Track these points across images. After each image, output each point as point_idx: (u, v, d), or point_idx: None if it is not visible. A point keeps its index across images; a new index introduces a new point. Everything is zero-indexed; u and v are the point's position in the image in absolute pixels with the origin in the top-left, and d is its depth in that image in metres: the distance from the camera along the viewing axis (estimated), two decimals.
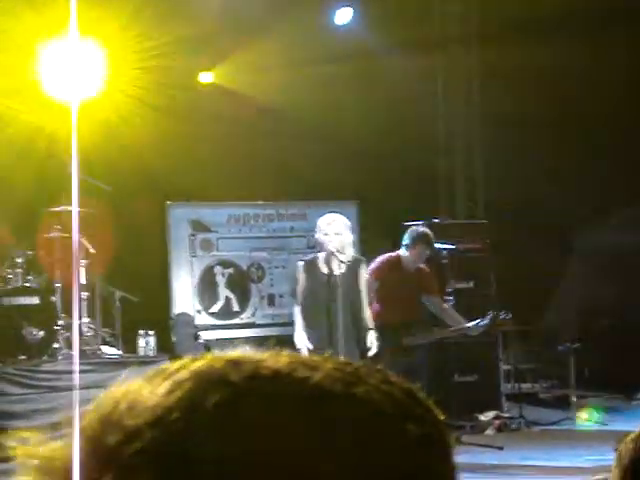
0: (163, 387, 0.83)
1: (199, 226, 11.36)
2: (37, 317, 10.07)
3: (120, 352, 10.64)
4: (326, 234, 8.22)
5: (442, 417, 0.89)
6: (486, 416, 11.27)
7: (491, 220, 12.87)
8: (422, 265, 9.48)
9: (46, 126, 12.00)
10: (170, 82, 12.77)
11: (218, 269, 11.43)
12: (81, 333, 10.48)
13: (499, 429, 10.96)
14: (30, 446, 0.84)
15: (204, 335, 11.11)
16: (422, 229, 9.46)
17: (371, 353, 8.42)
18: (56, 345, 10.09)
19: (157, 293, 11.29)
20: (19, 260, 10.21)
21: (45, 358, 10.02)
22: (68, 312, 10.51)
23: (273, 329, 11.42)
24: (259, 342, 11.26)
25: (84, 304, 10.51)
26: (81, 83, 12.42)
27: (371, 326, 8.54)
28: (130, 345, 10.72)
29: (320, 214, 8.69)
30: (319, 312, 8.30)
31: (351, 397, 0.83)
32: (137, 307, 10.87)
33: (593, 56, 13.00)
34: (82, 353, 10.29)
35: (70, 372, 9.89)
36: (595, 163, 13.58)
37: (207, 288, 11.35)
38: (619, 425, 10.52)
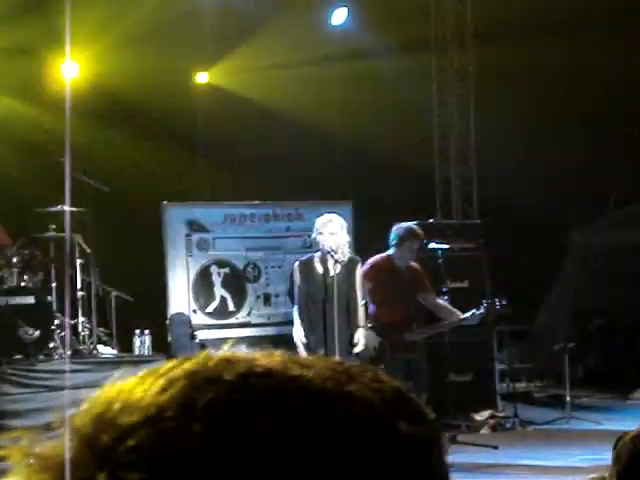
0: (156, 386, 0.83)
1: (195, 226, 11.36)
2: (33, 317, 10.07)
3: (116, 351, 10.65)
4: (321, 234, 8.26)
5: (432, 416, 0.88)
6: (481, 415, 11.30)
7: (486, 220, 12.89)
8: (413, 263, 9.50)
9: (42, 125, 12.04)
10: (166, 82, 12.78)
11: (214, 269, 11.44)
12: (77, 333, 10.49)
13: (494, 428, 10.98)
14: (24, 445, 0.83)
15: (200, 335, 11.11)
16: (406, 225, 9.48)
17: (357, 350, 8.43)
18: (52, 344, 10.10)
19: (153, 293, 11.30)
20: (15, 260, 10.21)
21: (41, 357, 10.03)
22: (64, 312, 10.53)
23: (269, 329, 11.43)
24: (255, 342, 11.27)
25: (80, 304, 10.53)
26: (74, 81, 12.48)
27: (362, 324, 8.57)
28: (126, 344, 10.73)
29: (316, 214, 8.72)
30: (315, 312, 8.35)
31: (343, 394, 0.83)
32: (133, 307, 10.88)
33: (591, 55, 13.03)
34: (78, 353, 10.31)
35: (65, 371, 9.91)
36: (590, 164, 13.62)
37: (203, 288, 11.36)
38: (614, 424, 10.53)
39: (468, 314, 9.48)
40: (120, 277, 11.07)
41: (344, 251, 8.32)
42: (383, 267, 9.36)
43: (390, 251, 9.41)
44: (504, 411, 11.55)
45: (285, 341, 9.13)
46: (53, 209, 10.48)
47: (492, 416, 11.30)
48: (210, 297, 11.38)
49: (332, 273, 8.31)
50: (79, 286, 10.56)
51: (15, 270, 10.19)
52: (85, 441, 0.81)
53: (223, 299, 11.45)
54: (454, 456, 9.49)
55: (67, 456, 0.81)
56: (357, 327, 8.50)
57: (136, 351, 10.56)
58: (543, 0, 13.32)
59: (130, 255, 11.49)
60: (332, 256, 8.20)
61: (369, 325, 9.26)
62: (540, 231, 13.50)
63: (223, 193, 12.08)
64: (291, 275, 8.76)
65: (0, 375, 9.70)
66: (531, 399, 12.85)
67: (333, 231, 8.25)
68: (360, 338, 8.48)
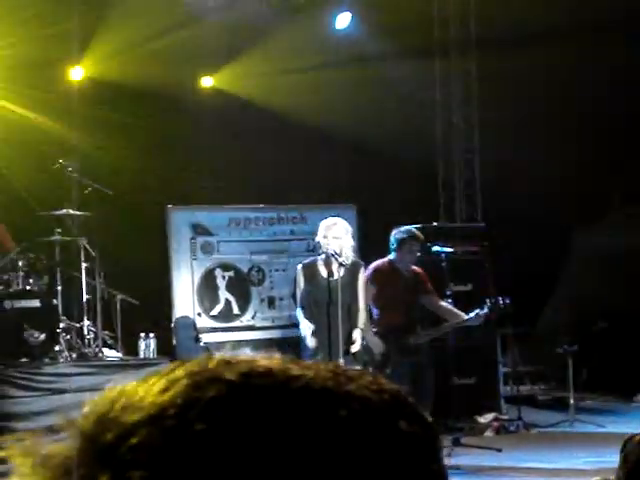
0: (158, 386, 0.84)
1: (200, 229, 11.39)
2: (38, 320, 10.10)
3: (121, 355, 10.67)
4: (325, 237, 8.28)
5: (430, 418, 0.89)
6: (485, 418, 11.31)
7: (489, 223, 12.91)
8: (414, 266, 9.53)
9: (48, 130, 12.07)
10: (171, 86, 12.81)
11: (218, 272, 11.46)
12: (82, 336, 10.52)
13: (498, 431, 10.99)
14: (28, 445, 0.85)
15: (205, 338, 11.14)
16: (405, 228, 9.51)
17: (354, 349, 8.42)
18: (57, 348, 10.13)
19: (158, 296, 11.32)
20: (20, 263, 10.25)
21: (46, 360, 10.05)
22: (69, 315, 10.56)
23: (273, 332, 11.46)
24: (259, 345, 11.30)
25: (85, 307, 10.56)
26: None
27: (362, 326, 8.58)
28: (131, 348, 10.75)
29: (320, 218, 8.74)
30: (319, 315, 8.36)
31: (343, 393, 0.84)
32: (138, 310, 10.90)
33: (588, 57, 13.05)
34: (83, 356, 10.34)
35: (71, 374, 9.94)
36: (594, 166, 13.63)
37: (208, 291, 11.38)
38: (618, 427, 10.55)
39: (472, 314, 9.50)
40: (125, 280, 11.09)
41: (348, 255, 8.34)
42: (385, 271, 9.39)
43: (391, 255, 9.44)
44: (508, 414, 11.56)
45: (290, 344, 9.16)
46: (58, 212, 10.52)
47: (496, 419, 11.31)
48: (215, 300, 11.40)
49: (336, 276, 8.32)
50: (84, 289, 10.59)
51: (20, 274, 10.22)
52: (88, 439, 0.82)
53: (228, 302, 11.48)
54: (458, 459, 9.51)
55: (72, 454, 0.83)
56: (355, 327, 8.51)
57: (141, 354, 10.59)
58: (544, 6, 13.31)
59: (135, 258, 11.51)
60: (336, 259, 8.21)
61: (373, 330, 9.28)
62: (544, 233, 13.51)
63: (227, 196, 12.10)
64: (294, 278, 8.77)
65: (6, 378, 9.73)
66: (535, 402, 12.86)
67: (337, 235, 8.26)
68: (357, 337, 8.48)
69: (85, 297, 10.58)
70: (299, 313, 8.60)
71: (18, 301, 10.10)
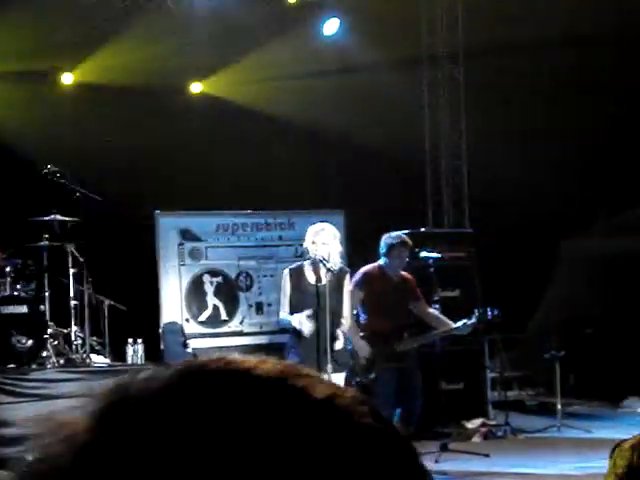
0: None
1: (188, 235, 11.39)
2: (26, 326, 10.07)
3: (108, 361, 10.65)
4: (314, 242, 8.26)
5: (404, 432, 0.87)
6: (473, 424, 11.33)
7: (477, 229, 12.94)
8: (404, 272, 9.55)
9: (37, 134, 12.07)
10: (160, 91, 12.82)
11: (206, 278, 11.46)
12: (70, 342, 10.50)
13: (485, 437, 11.01)
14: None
15: (192, 343, 11.13)
16: (395, 234, 9.53)
17: (337, 346, 8.34)
18: (45, 353, 10.11)
19: (146, 302, 11.31)
20: (8, 269, 10.23)
21: (34, 366, 10.03)
22: (56, 321, 10.54)
23: (261, 337, 11.46)
24: (247, 350, 11.30)
25: (73, 313, 10.54)
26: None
27: (345, 329, 8.51)
28: (119, 354, 10.74)
29: (308, 223, 8.74)
30: (310, 328, 8.30)
31: (296, 389, 0.81)
32: (126, 316, 10.88)
33: (583, 58, 13.10)
34: (71, 361, 10.32)
35: (58, 380, 9.92)
36: (581, 173, 13.67)
37: (196, 296, 11.38)
38: (605, 433, 10.57)
39: (459, 324, 9.52)
40: (113, 286, 11.08)
41: (336, 261, 8.32)
42: (374, 276, 9.41)
43: (380, 261, 9.48)
44: (495, 419, 11.59)
45: (278, 350, 9.15)
46: (46, 218, 10.50)
47: (483, 424, 11.33)
48: (203, 306, 11.40)
49: (324, 282, 8.31)
50: (72, 295, 10.57)
51: (8, 279, 10.20)
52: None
53: (216, 308, 11.48)
54: (445, 464, 9.52)
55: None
56: (339, 326, 8.43)
57: (129, 360, 10.57)
58: (531, 13, 13.37)
59: (123, 264, 11.51)
60: (324, 265, 8.20)
61: (360, 334, 9.29)
62: (531, 239, 13.55)
63: (216, 202, 12.10)
64: (281, 283, 8.68)
65: None
66: (522, 407, 12.89)
67: (326, 241, 8.25)
68: (340, 335, 8.42)
69: (73, 303, 10.56)
70: (284, 315, 8.49)
71: (5, 307, 10.08)
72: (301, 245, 8.58)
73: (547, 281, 14.79)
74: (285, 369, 0.83)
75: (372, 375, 9.21)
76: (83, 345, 10.51)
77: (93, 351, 10.66)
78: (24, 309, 10.16)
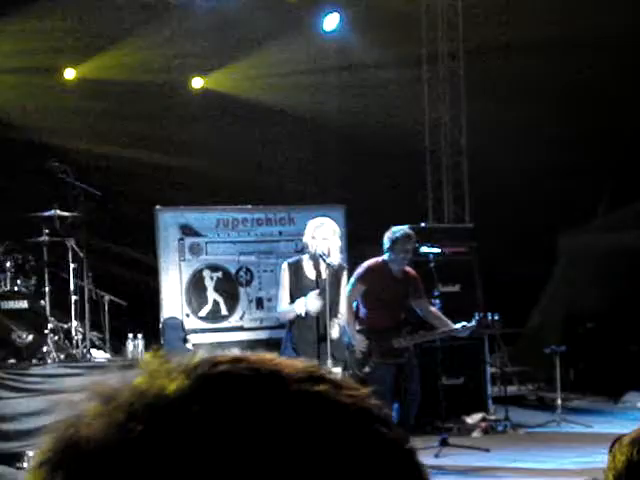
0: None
1: (188, 230, 11.39)
2: (26, 321, 10.07)
3: (109, 356, 10.66)
4: (314, 237, 8.24)
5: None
6: (473, 419, 11.33)
7: (477, 224, 12.94)
8: (408, 268, 9.51)
9: (38, 129, 12.08)
10: (162, 87, 12.83)
11: (207, 273, 11.47)
12: (70, 337, 10.51)
13: (485, 431, 11.02)
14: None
15: (193, 339, 11.14)
16: (399, 229, 9.49)
17: (333, 335, 8.29)
18: (45, 349, 10.11)
19: (146, 297, 11.32)
20: (8, 264, 10.23)
21: (34, 362, 10.04)
22: (57, 316, 10.54)
23: (261, 332, 11.46)
24: (247, 345, 11.30)
25: (73, 308, 10.54)
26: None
27: (341, 324, 8.47)
28: (119, 349, 10.74)
29: (308, 218, 8.72)
30: (308, 320, 8.27)
31: (314, 393, 0.83)
32: (126, 311, 10.89)
33: (578, 62, 13.11)
34: (71, 357, 10.32)
35: (59, 375, 9.92)
36: (580, 168, 13.66)
37: (196, 292, 11.38)
38: (605, 428, 10.58)
39: (459, 325, 9.49)
40: (113, 281, 11.09)
41: (335, 256, 8.29)
42: (377, 271, 9.37)
43: (385, 256, 9.42)
44: (496, 414, 11.59)
45: (277, 345, 9.15)
46: (46, 213, 10.50)
47: (484, 419, 11.33)
48: (203, 301, 11.41)
49: (323, 277, 8.30)
50: (72, 290, 10.58)
51: (8, 274, 10.20)
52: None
53: (216, 303, 11.48)
54: (446, 459, 9.53)
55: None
56: (335, 316, 8.38)
57: (129, 355, 10.57)
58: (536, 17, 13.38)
59: (123, 259, 11.51)
60: (324, 260, 8.18)
61: (357, 328, 9.27)
62: (532, 234, 13.55)
63: (216, 197, 12.10)
64: (279, 276, 8.63)
65: None
66: (522, 402, 12.89)
67: (325, 236, 8.22)
68: (336, 323, 8.36)
69: (73, 298, 10.56)
70: (284, 307, 8.48)
71: (6, 302, 10.08)
72: (301, 240, 8.55)
73: (547, 276, 14.80)
74: (311, 371, 0.84)
75: (366, 369, 9.18)
76: (83, 340, 10.51)
77: (93, 346, 10.67)
78: (24, 304, 10.16)
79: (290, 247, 11.53)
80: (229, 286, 11.57)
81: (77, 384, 9.84)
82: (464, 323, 9.47)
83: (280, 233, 11.75)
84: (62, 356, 10.23)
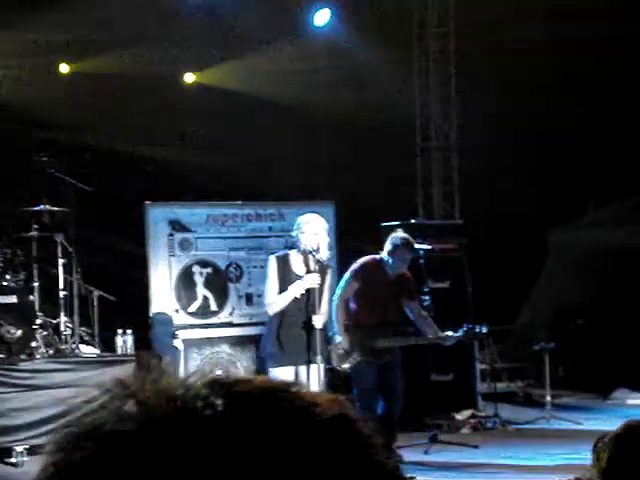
0: None
1: (178, 226, 11.37)
2: (15, 316, 10.04)
3: (98, 351, 10.63)
4: (303, 232, 8.21)
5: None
6: (462, 415, 11.35)
7: (467, 221, 12.95)
8: (404, 270, 9.44)
9: (27, 123, 12.04)
10: (154, 81, 12.81)
11: (196, 269, 11.44)
12: (59, 332, 10.48)
13: (475, 428, 11.03)
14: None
15: (182, 334, 11.12)
16: (401, 235, 9.44)
17: (318, 326, 8.23)
18: (34, 344, 10.09)
19: (135, 292, 11.29)
20: None
21: (23, 357, 10.00)
22: (46, 311, 10.52)
23: (251, 329, 11.44)
24: (237, 341, 11.29)
25: (62, 303, 10.52)
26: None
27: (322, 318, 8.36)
28: (108, 344, 10.72)
29: (298, 214, 8.69)
30: (294, 311, 8.24)
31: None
32: (115, 306, 10.87)
33: (576, 51, 13.11)
34: (60, 352, 10.30)
35: (48, 371, 9.90)
36: (572, 163, 13.69)
37: (185, 287, 11.36)
38: (594, 424, 10.60)
39: (446, 334, 9.44)
40: (103, 277, 11.07)
41: (324, 252, 8.25)
42: (372, 269, 9.32)
43: (383, 255, 9.36)
44: (485, 411, 11.61)
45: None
46: (36, 208, 10.47)
47: (473, 416, 11.35)
48: (192, 297, 11.38)
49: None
50: (61, 286, 10.55)
51: None
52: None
53: (205, 299, 11.46)
54: (435, 455, 9.55)
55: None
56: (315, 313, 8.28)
57: (118, 351, 10.55)
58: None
59: (113, 255, 11.48)
60: (314, 256, 8.15)
61: (344, 323, 9.24)
62: (521, 231, 13.57)
63: (205, 193, 12.08)
64: (267, 270, 8.53)
65: None
66: (512, 399, 12.91)
67: (316, 231, 8.20)
68: (319, 317, 8.25)
69: (62, 293, 10.54)
70: (273, 299, 8.37)
71: None
72: (291, 236, 8.51)
73: (537, 273, 14.82)
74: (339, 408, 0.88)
75: (346, 365, 9.16)
76: (72, 335, 10.49)
77: (82, 341, 10.64)
78: (13, 299, 10.13)
79: (280, 243, 11.50)
80: (219, 282, 11.54)
81: (66, 379, 9.82)
82: (451, 332, 9.43)
83: (270, 229, 11.73)
84: (51, 351, 10.20)
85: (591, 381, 13.09)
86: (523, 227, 13.56)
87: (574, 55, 13.13)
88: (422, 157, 14.56)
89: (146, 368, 0.91)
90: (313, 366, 8.02)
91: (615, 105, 13.74)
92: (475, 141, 13.52)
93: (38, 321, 10.19)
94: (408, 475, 8.36)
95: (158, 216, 11.31)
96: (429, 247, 10.74)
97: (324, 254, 8.21)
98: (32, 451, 9.22)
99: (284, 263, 8.30)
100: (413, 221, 12.17)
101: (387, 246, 9.33)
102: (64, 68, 12.93)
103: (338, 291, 9.24)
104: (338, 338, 9.15)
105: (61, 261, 10.54)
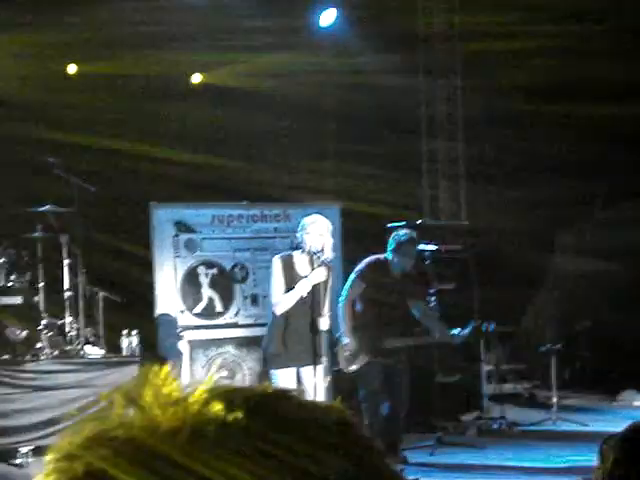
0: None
1: (183, 227, 11.35)
2: (20, 317, 10.04)
3: (103, 352, 10.63)
4: (309, 233, 8.18)
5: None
6: (468, 417, 11.32)
7: (473, 221, 12.92)
8: (409, 269, 9.42)
9: (33, 123, 12.04)
10: (159, 82, 12.81)
11: (202, 269, 11.42)
12: (64, 333, 10.48)
13: (481, 430, 11.00)
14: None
15: (187, 335, 11.10)
16: (403, 232, 9.43)
17: (324, 328, 8.18)
18: (39, 345, 10.08)
19: (141, 293, 11.28)
20: (2, 260, 10.20)
21: (28, 358, 10.00)
22: (51, 312, 10.51)
23: (256, 329, 11.40)
24: (242, 342, 11.27)
25: (67, 304, 10.51)
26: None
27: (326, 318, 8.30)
28: (113, 345, 10.71)
29: (303, 215, 8.67)
30: (300, 312, 8.20)
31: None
32: (120, 307, 10.86)
33: (575, 56, 13.07)
34: (65, 353, 10.29)
35: (53, 372, 9.89)
36: (578, 166, 13.65)
37: (190, 288, 11.34)
38: (600, 426, 10.57)
39: (454, 331, 9.42)
40: (108, 278, 11.06)
41: (329, 254, 8.21)
42: (378, 268, 9.30)
43: (388, 255, 9.34)
44: (491, 412, 11.58)
45: None
46: (41, 209, 10.47)
47: (479, 417, 11.32)
48: (198, 298, 11.36)
49: None
50: (66, 286, 10.55)
51: (2, 270, 10.17)
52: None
53: (211, 300, 11.44)
54: (440, 456, 9.52)
55: None
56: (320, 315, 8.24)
57: (124, 352, 10.54)
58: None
59: (118, 256, 11.47)
60: (319, 257, 8.11)
61: (351, 324, 9.22)
62: (528, 232, 13.53)
63: (211, 194, 12.07)
64: (272, 270, 8.49)
65: None
66: (518, 400, 12.88)
67: (321, 232, 8.17)
68: (325, 318, 8.23)
69: (67, 294, 10.54)
70: (280, 298, 8.32)
71: None
72: (296, 237, 8.47)
73: (543, 274, 14.79)
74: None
75: (353, 367, 9.14)
76: (78, 336, 10.49)
77: (88, 342, 10.64)
78: (18, 300, 10.13)
79: (286, 244, 11.46)
80: (224, 283, 11.52)
81: (71, 380, 9.82)
82: (459, 329, 9.41)
83: (275, 230, 11.71)
84: (56, 352, 10.20)
85: (598, 383, 13.06)
86: (530, 228, 13.53)
87: (587, 54, 13.07)
88: (428, 158, 14.54)
89: (149, 372, 0.89)
90: (318, 367, 8.00)
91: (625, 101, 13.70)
92: (482, 141, 13.49)
93: (43, 322, 10.19)
94: (412, 477, 8.34)
95: (163, 217, 11.29)
96: (435, 248, 10.72)
97: (329, 255, 8.17)
98: (37, 452, 9.21)
99: (288, 264, 8.26)
100: (419, 222, 12.15)
101: (391, 244, 9.31)
102: (72, 69, 12.93)
103: (344, 293, 9.22)
104: (345, 340, 9.14)
105: (66, 262, 10.54)
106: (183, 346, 11.01)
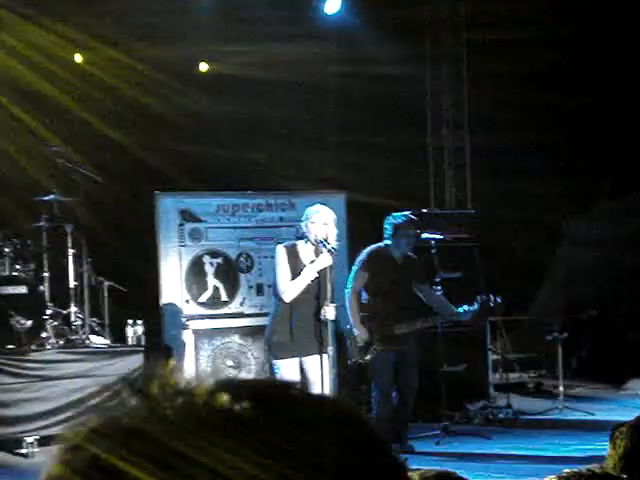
0: None
1: (188, 216, 11.33)
2: (25, 306, 10.05)
3: (108, 342, 10.63)
4: (313, 222, 8.16)
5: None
6: (474, 406, 11.30)
7: (479, 210, 12.89)
8: (410, 253, 9.44)
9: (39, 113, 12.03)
10: (164, 71, 12.79)
11: (207, 259, 11.41)
12: (69, 323, 10.47)
13: (487, 419, 10.99)
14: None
15: (192, 325, 11.09)
16: (400, 214, 9.44)
17: (330, 317, 8.12)
18: (44, 334, 10.08)
19: (146, 283, 11.26)
20: (7, 250, 10.19)
21: (33, 347, 10.00)
22: (56, 302, 10.51)
23: (261, 319, 11.38)
24: (247, 332, 11.26)
25: (72, 294, 10.51)
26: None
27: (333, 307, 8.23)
28: (118, 335, 10.71)
29: (308, 204, 8.66)
30: (306, 302, 8.17)
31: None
32: (126, 297, 10.86)
33: (585, 40, 13.02)
34: (70, 342, 10.29)
35: (58, 361, 9.90)
36: (586, 153, 13.61)
37: (196, 278, 11.33)
38: (606, 415, 10.56)
39: (461, 309, 9.43)
40: (113, 267, 11.05)
41: (333, 243, 8.18)
42: (379, 257, 9.32)
43: (387, 241, 9.36)
44: (497, 401, 11.56)
45: None
46: (46, 198, 10.46)
47: (485, 407, 11.30)
48: (203, 287, 11.36)
49: None
50: (72, 276, 10.54)
51: (7, 260, 10.17)
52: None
53: (216, 289, 11.43)
54: (447, 446, 9.51)
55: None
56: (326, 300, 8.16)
57: (129, 341, 10.55)
58: None
59: (123, 245, 11.46)
60: (325, 246, 8.09)
61: (360, 315, 9.22)
62: (534, 221, 13.49)
63: (216, 183, 12.05)
64: (276, 259, 8.44)
65: None
66: (524, 389, 12.87)
67: (326, 221, 8.15)
68: (332, 308, 8.17)
69: (72, 284, 10.53)
70: (286, 285, 8.27)
71: (4, 287, 10.05)
72: (300, 227, 8.43)
73: (550, 263, 14.76)
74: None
75: (368, 357, 9.15)
76: (83, 326, 10.48)
77: (93, 332, 10.64)
78: (23, 290, 10.14)
79: (291, 233, 11.41)
80: (229, 272, 11.51)
81: (76, 370, 9.82)
82: (466, 307, 9.42)
83: (281, 219, 11.69)
84: (61, 342, 10.21)
85: (604, 372, 13.04)
86: (536, 217, 13.49)
87: (592, 44, 13.03)
88: (433, 146, 14.50)
89: (154, 362, 0.90)
90: (324, 357, 7.97)
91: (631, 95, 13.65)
92: (488, 130, 13.45)
93: (48, 311, 10.19)
94: (415, 466, 8.32)
95: (168, 206, 11.28)
96: (441, 237, 10.70)
97: (333, 245, 8.15)
98: (42, 442, 9.21)
99: (292, 253, 8.24)
100: (425, 210, 12.12)
101: (387, 229, 9.31)
102: (78, 58, 12.90)
103: (348, 285, 9.21)
104: (356, 331, 9.14)
105: (71, 251, 10.54)
106: (188, 336, 11.00)
